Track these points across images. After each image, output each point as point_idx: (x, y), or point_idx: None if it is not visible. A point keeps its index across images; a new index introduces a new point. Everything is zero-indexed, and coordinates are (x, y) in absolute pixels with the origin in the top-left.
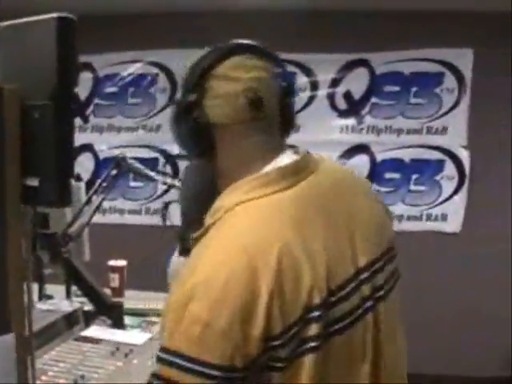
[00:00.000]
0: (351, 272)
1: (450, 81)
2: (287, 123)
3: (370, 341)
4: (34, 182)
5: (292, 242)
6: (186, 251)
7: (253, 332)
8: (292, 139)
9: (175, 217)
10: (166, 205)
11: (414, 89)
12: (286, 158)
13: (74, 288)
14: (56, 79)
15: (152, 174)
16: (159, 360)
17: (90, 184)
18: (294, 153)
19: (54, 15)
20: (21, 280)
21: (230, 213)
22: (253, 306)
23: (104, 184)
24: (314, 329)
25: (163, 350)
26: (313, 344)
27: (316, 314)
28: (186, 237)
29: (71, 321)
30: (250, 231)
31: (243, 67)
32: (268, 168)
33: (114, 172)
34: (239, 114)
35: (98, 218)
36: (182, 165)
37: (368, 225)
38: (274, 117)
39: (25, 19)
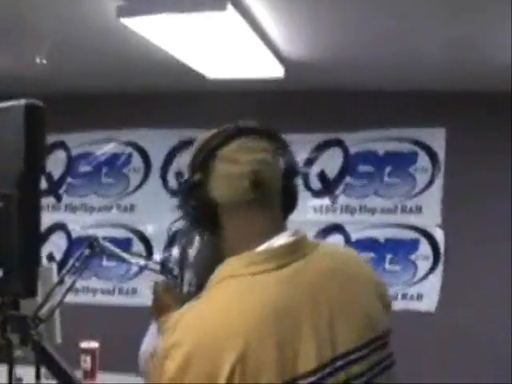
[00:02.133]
0: (327, 358)
1: (423, 160)
2: (289, 203)
3: None
4: None
5: (263, 327)
6: None
7: None
8: None
9: None
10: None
11: (387, 168)
12: (281, 239)
13: (44, 370)
14: (23, 167)
15: (125, 255)
16: None
17: (62, 263)
18: (292, 234)
19: (22, 102)
20: None
21: (218, 285)
22: (212, 380)
23: (76, 264)
24: None
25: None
26: None
27: None
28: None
29: None
30: (227, 308)
31: (247, 149)
32: (261, 247)
33: (86, 252)
34: (242, 194)
35: (70, 298)
36: (157, 244)
37: (354, 313)
38: (276, 197)
39: None
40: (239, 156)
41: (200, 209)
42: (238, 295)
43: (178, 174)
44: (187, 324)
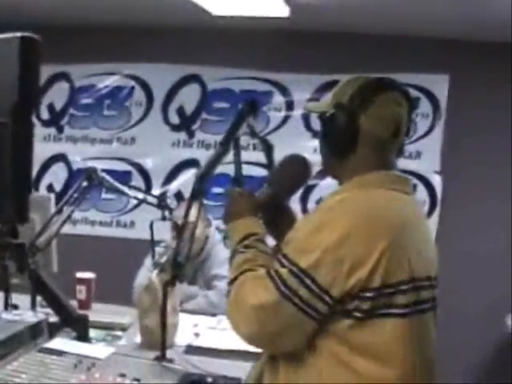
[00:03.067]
0: (427, 274)
1: (425, 106)
2: (401, 148)
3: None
4: None
5: (407, 227)
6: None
7: (356, 275)
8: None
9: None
10: (152, 223)
11: None
12: (402, 176)
13: (39, 298)
14: (17, 97)
15: (123, 188)
16: (283, 258)
17: (62, 194)
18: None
19: (18, 35)
20: None
21: (365, 189)
22: (365, 257)
23: (75, 195)
24: (402, 299)
25: (284, 256)
26: (400, 311)
27: (405, 287)
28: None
29: (35, 332)
30: (379, 205)
31: (398, 101)
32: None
33: (84, 184)
34: (387, 132)
35: (68, 229)
36: (156, 178)
37: (432, 250)
38: (400, 142)
39: None
40: (393, 104)
41: (351, 132)
42: (386, 199)
43: (180, 110)
44: (345, 207)
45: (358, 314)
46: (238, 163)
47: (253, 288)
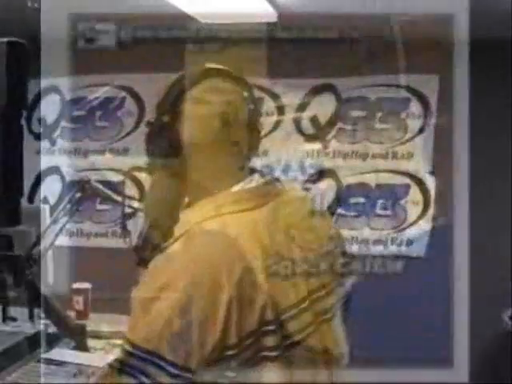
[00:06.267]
0: (304, 293)
1: (415, 106)
2: (253, 146)
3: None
4: None
5: (255, 259)
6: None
7: (209, 339)
8: (259, 163)
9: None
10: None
11: (379, 114)
12: (253, 181)
13: (37, 310)
14: (5, 101)
15: (115, 197)
16: (122, 349)
17: (56, 206)
18: (260, 176)
19: (4, 40)
20: None
21: (201, 225)
22: (212, 315)
23: (68, 207)
24: (270, 341)
25: (126, 341)
26: (271, 354)
27: (271, 327)
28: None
29: (34, 343)
30: (219, 245)
31: (216, 90)
32: (237, 187)
33: (78, 195)
34: (211, 135)
35: (64, 241)
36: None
37: (319, 252)
38: (242, 139)
39: None
40: (208, 97)
41: (168, 150)
42: (232, 230)
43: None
44: (184, 258)
45: (230, 374)
46: None
47: None
